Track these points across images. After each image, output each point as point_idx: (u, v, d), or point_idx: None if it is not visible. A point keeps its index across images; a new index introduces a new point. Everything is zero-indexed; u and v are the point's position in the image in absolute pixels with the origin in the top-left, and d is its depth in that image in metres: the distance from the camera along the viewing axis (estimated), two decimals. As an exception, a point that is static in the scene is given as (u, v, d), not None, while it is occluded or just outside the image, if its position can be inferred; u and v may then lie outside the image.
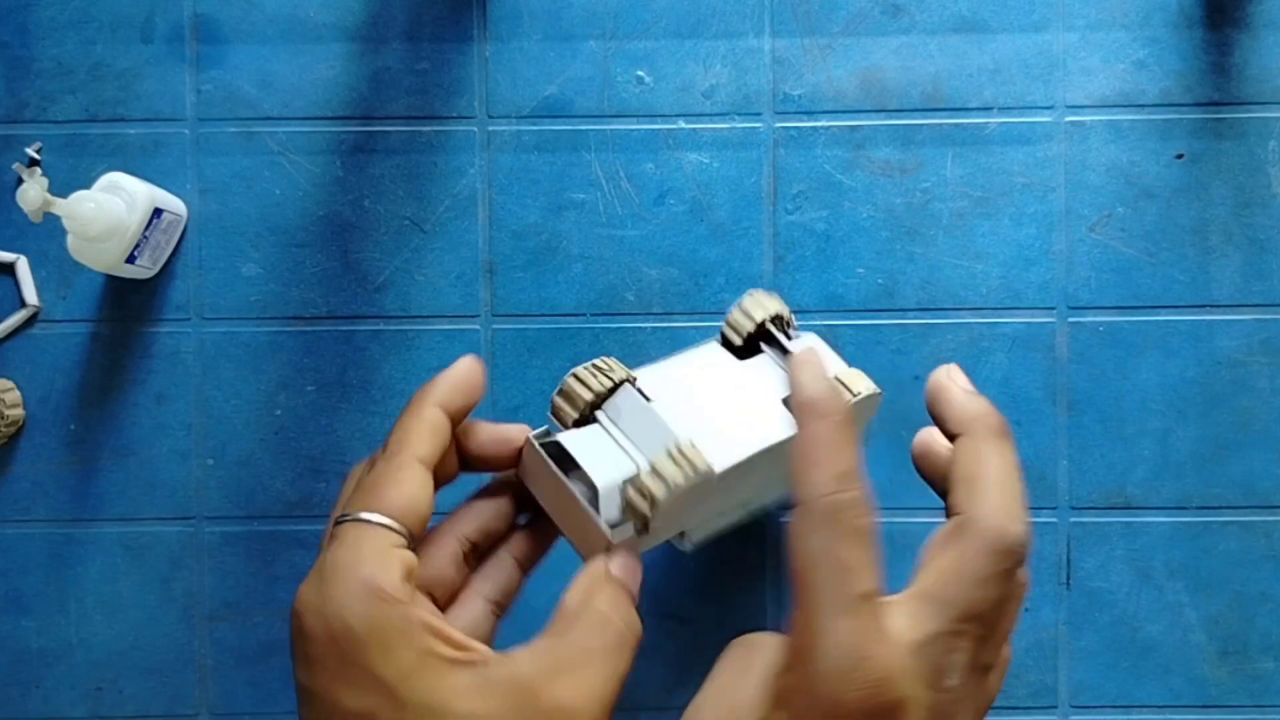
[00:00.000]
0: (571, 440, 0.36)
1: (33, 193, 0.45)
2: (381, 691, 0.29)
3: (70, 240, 0.49)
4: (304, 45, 0.54)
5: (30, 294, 0.53)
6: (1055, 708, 0.53)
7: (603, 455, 0.36)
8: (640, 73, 0.53)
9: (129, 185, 0.50)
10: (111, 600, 0.53)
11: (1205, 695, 0.52)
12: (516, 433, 0.37)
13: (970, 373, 0.53)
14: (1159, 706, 0.52)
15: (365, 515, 0.32)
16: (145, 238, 0.50)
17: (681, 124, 0.53)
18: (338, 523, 0.33)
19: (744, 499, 0.41)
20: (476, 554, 0.37)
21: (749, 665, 0.34)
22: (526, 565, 0.38)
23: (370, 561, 0.31)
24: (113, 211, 0.48)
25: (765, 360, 0.42)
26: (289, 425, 0.54)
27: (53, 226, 0.52)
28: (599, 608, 0.33)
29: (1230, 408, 0.52)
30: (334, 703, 0.30)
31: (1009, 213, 0.53)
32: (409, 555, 0.32)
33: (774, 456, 0.39)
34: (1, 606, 0.54)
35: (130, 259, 0.50)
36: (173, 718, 0.53)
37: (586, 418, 0.38)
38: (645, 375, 0.39)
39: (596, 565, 0.34)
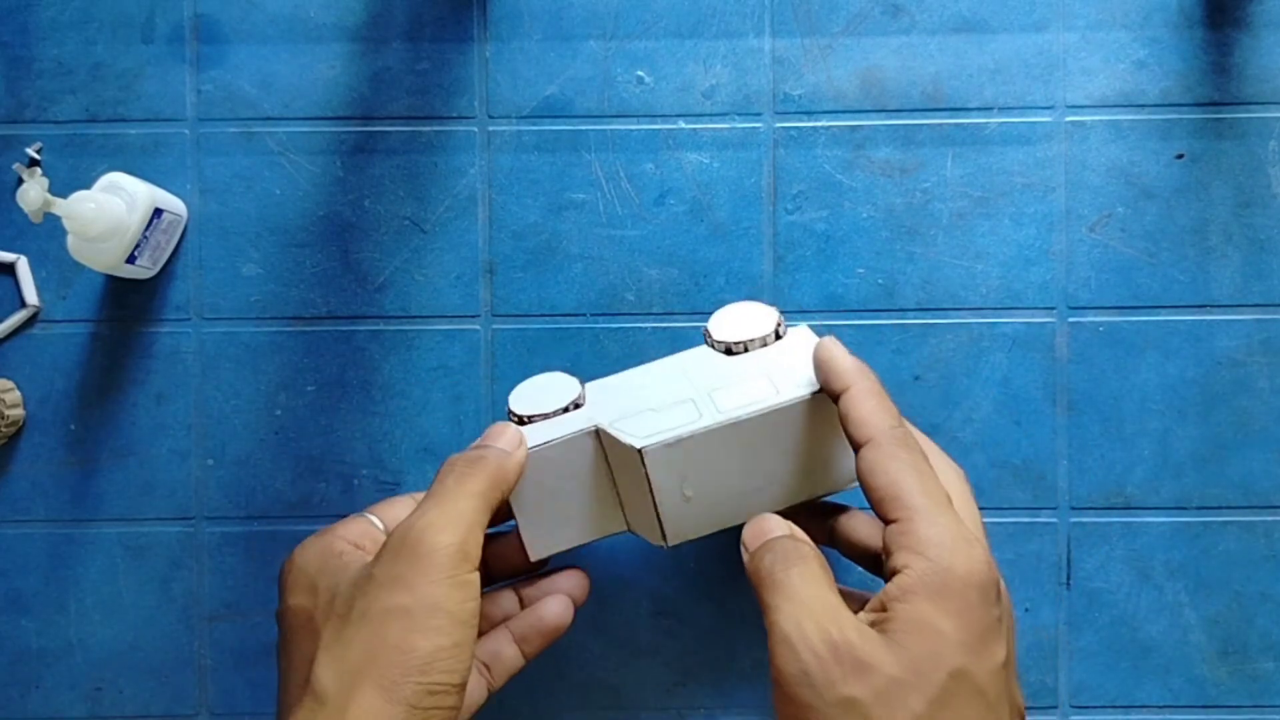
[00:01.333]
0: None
1: (33, 193, 0.45)
2: None
3: (70, 240, 0.49)
4: (304, 45, 0.54)
5: (30, 294, 0.53)
6: (1055, 708, 0.53)
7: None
8: (640, 73, 0.53)
9: (129, 185, 0.50)
10: (111, 600, 0.53)
11: (1205, 695, 0.52)
12: None
13: (970, 373, 0.53)
14: (1159, 706, 0.52)
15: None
16: (145, 238, 0.50)
17: (681, 124, 0.53)
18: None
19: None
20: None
21: (814, 574, 0.35)
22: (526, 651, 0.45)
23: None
24: (113, 212, 0.48)
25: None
26: (289, 425, 0.54)
27: (53, 226, 0.52)
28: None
29: (1230, 408, 0.52)
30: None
31: (1009, 213, 0.53)
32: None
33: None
34: (1, 606, 0.54)
35: (130, 259, 0.50)
36: (172, 718, 0.53)
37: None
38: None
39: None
